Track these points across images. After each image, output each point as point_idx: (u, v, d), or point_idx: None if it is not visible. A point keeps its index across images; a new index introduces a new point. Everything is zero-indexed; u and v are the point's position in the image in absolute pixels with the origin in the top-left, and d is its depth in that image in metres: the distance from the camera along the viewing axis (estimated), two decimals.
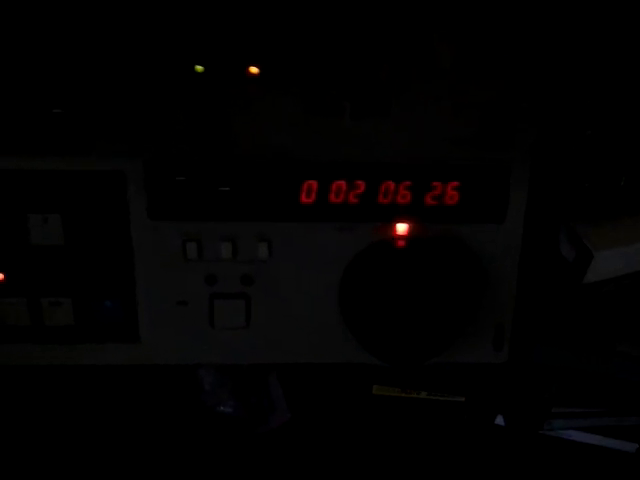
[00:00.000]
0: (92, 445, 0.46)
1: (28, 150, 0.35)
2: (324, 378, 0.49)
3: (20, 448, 0.45)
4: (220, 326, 0.40)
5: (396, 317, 0.38)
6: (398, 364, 0.40)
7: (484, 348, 0.42)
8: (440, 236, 0.39)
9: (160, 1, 0.31)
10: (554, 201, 0.43)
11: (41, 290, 0.38)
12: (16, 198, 0.36)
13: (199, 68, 0.31)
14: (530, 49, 0.34)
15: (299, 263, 0.39)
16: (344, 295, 0.40)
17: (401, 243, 0.39)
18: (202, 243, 0.38)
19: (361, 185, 0.38)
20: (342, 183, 0.38)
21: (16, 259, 0.37)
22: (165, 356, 0.40)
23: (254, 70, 0.32)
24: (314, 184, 0.38)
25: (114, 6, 0.32)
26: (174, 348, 0.40)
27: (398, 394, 0.52)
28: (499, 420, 0.52)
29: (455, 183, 0.38)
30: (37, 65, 0.32)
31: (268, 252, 0.38)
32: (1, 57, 0.32)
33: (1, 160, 0.35)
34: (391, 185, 0.38)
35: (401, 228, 0.39)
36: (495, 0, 0.33)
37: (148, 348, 0.40)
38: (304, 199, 0.38)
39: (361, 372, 0.48)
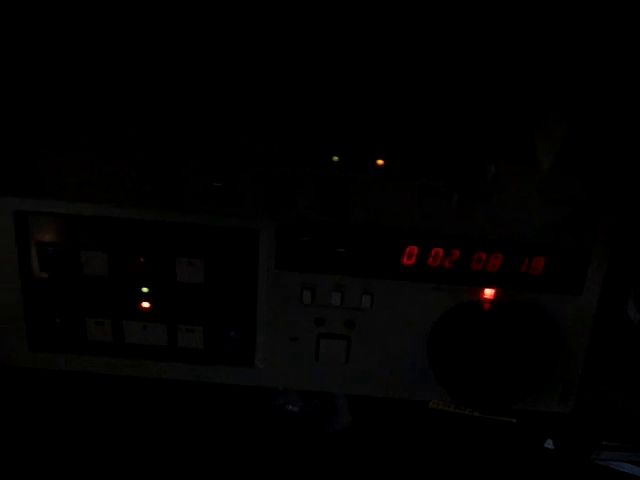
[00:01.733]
0: (174, 435, 0.54)
1: (183, 207, 0.42)
2: None
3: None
4: (323, 360, 0.46)
5: (478, 369, 0.44)
6: (476, 409, 0.46)
7: (552, 399, 0.48)
8: (522, 302, 0.45)
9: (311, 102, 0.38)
10: (625, 268, 0.47)
11: (179, 318, 0.46)
12: (168, 244, 0.44)
13: (335, 158, 0.38)
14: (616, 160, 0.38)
15: (396, 314, 0.45)
16: (432, 345, 0.46)
17: (488, 305, 0.45)
18: (316, 291, 0.45)
19: (456, 253, 0.44)
20: (439, 250, 0.44)
21: (162, 292, 0.45)
22: (274, 380, 0.48)
23: (380, 162, 0.38)
24: (415, 249, 0.44)
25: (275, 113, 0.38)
26: (283, 375, 0.47)
27: (452, 410, 0.58)
28: (548, 444, 0.57)
29: (540, 258, 0.44)
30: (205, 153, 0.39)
31: (370, 303, 0.45)
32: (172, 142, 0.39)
33: (160, 213, 0.42)
34: (483, 255, 0.44)
35: (488, 292, 0.45)
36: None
37: (261, 373, 0.47)
38: (405, 261, 0.44)
39: None
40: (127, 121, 0.39)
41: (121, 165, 0.40)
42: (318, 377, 0.47)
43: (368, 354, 0.46)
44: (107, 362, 0.47)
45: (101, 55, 0.38)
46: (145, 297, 0.45)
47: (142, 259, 0.44)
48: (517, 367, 0.44)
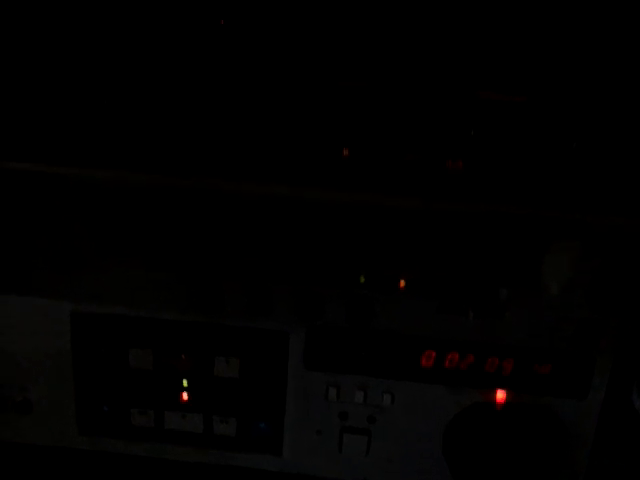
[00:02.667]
0: None
1: (224, 313, 0.46)
2: None
3: None
4: (346, 452, 0.50)
5: (489, 465, 0.48)
6: None
7: None
8: (531, 404, 0.48)
9: None
10: (630, 364, 0.51)
11: (215, 409, 0.50)
12: (207, 343, 0.48)
13: (362, 279, 0.43)
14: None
15: (414, 411, 0.49)
16: (447, 440, 0.49)
17: (499, 406, 0.49)
18: (341, 389, 0.49)
19: (470, 357, 0.48)
20: (455, 355, 0.48)
21: (200, 385, 0.49)
22: (300, 469, 0.51)
23: (402, 284, 0.43)
24: (433, 353, 0.48)
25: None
26: (308, 464, 0.51)
27: None
28: None
29: (548, 365, 0.47)
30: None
31: (391, 401, 0.49)
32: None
33: (202, 316, 0.47)
34: (496, 360, 0.48)
35: (500, 394, 0.49)
36: None
37: (288, 461, 0.51)
38: (424, 363, 0.48)
39: None
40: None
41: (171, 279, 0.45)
42: (340, 467, 0.51)
43: (387, 447, 0.50)
44: (149, 446, 0.51)
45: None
46: (185, 389, 0.49)
47: (184, 356, 0.48)
48: (526, 465, 0.48)
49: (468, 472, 0.49)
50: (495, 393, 0.49)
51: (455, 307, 0.44)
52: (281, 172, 0.43)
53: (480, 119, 0.47)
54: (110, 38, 0.49)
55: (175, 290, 0.45)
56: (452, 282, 0.43)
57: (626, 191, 0.43)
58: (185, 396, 0.50)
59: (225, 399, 0.50)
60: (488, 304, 0.43)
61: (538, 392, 0.48)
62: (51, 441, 0.51)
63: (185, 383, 0.49)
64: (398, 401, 0.49)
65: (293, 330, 0.47)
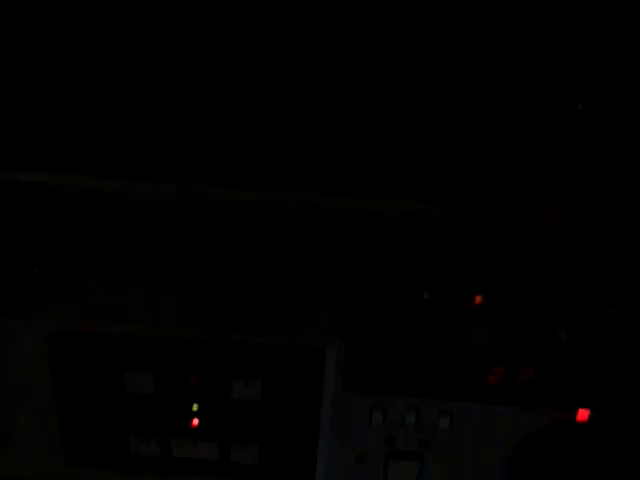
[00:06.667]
0: None
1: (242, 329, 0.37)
2: None
3: None
4: None
5: None
6: None
7: None
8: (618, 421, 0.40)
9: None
10: None
11: (233, 436, 0.41)
12: (223, 363, 0.38)
13: (426, 295, 0.32)
14: None
15: (475, 434, 0.40)
16: (515, 466, 0.41)
17: (581, 424, 0.40)
18: (387, 412, 0.40)
19: (547, 372, 0.39)
20: (531, 370, 0.38)
21: (214, 410, 0.40)
22: None
23: (478, 299, 0.32)
24: (501, 370, 0.38)
25: None
26: None
27: None
28: None
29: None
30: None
31: (449, 424, 0.40)
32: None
33: (211, 333, 0.37)
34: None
35: (582, 414, 0.40)
36: None
37: None
38: (491, 381, 0.39)
39: None
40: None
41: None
42: None
43: (441, 475, 0.42)
44: (152, 478, 0.42)
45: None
46: (196, 414, 0.40)
47: (193, 379, 0.39)
48: None
49: None
50: (575, 413, 0.40)
51: (541, 327, 0.34)
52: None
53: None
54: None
55: (185, 308, 0.35)
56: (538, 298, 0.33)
57: None
58: (196, 422, 0.40)
59: (246, 423, 0.40)
60: (585, 323, 0.34)
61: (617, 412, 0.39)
62: (33, 474, 0.43)
63: (195, 408, 0.40)
64: (458, 422, 0.40)
65: (330, 345, 0.38)
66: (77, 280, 0.35)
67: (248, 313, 0.36)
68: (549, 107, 0.36)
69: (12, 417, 0.40)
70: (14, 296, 0.35)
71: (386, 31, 0.37)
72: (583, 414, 0.40)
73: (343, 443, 0.41)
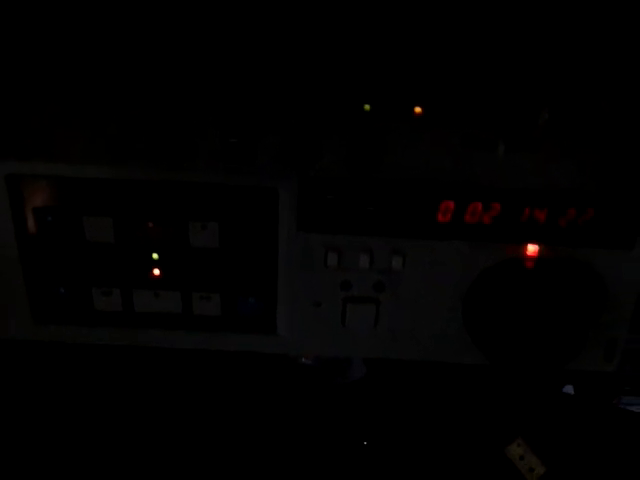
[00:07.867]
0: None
1: (194, 166, 0.37)
2: None
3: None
4: (351, 326, 0.43)
5: (518, 330, 0.41)
6: (515, 373, 0.43)
7: (596, 358, 0.44)
8: (568, 258, 0.41)
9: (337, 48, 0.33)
10: None
11: (194, 285, 0.42)
12: (178, 206, 0.39)
13: (367, 107, 0.33)
14: None
15: (429, 274, 0.41)
16: (468, 306, 0.42)
17: (530, 263, 0.41)
18: (342, 253, 0.41)
19: (496, 207, 0.40)
20: (478, 205, 0.40)
21: (174, 258, 0.41)
22: (298, 348, 0.44)
23: (418, 110, 0.33)
24: (451, 204, 0.40)
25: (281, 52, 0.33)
26: (306, 341, 0.44)
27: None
28: (568, 389, 0.54)
29: (589, 210, 0.39)
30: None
31: (402, 264, 0.41)
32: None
33: (169, 173, 0.38)
34: (526, 209, 0.40)
35: (532, 249, 0.41)
36: None
37: (284, 340, 0.44)
38: (441, 218, 0.40)
39: None
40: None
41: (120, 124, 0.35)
42: (345, 343, 0.44)
43: (398, 317, 0.43)
44: (117, 333, 0.43)
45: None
46: (156, 264, 0.41)
47: (151, 224, 0.40)
48: (561, 328, 0.41)
49: (494, 339, 0.42)
50: (525, 249, 0.41)
51: (483, 140, 0.35)
52: None
53: None
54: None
55: (134, 141, 0.35)
56: (479, 105, 0.34)
57: None
58: (157, 272, 0.41)
59: (206, 272, 0.42)
60: (523, 134, 0.35)
61: (576, 244, 0.40)
62: (1, 335, 0.44)
63: (155, 256, 0.41)
64: (410, 263, 0.41)
65: (282, 185, 0.39)
66: (36, 122, 0.35)
67: (201, 148, 0.36)
68: None
69: None
70: None
71: None
72: (533, 249, 0.41)
73: (301, 289, 0.42)
